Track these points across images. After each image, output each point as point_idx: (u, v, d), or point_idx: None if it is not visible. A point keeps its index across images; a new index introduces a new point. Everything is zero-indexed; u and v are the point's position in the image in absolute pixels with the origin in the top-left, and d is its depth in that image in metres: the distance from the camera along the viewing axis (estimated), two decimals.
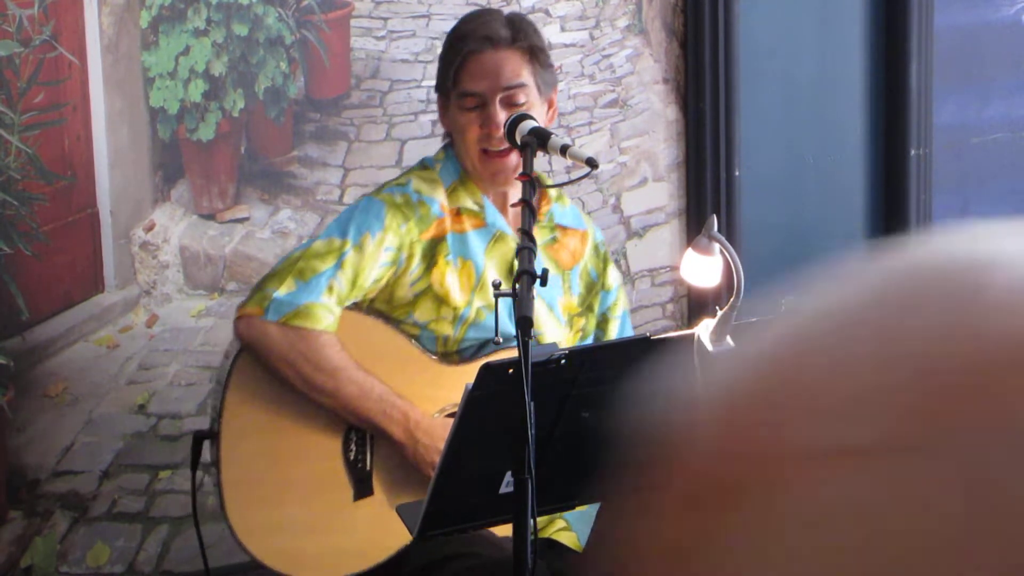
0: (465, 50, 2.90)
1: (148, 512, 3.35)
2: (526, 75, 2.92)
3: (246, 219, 3.40)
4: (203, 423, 3.33)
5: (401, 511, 2.50)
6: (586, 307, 3.10)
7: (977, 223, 0.67)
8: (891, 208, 4.10)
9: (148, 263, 3.31)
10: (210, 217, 3.36)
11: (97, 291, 3.27)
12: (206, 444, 2.85)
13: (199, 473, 2.89)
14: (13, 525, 3.23)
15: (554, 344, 2.31)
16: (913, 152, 4.07)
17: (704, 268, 2.62)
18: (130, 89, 3.25)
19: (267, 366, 2.80)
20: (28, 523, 3.25)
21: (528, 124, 2.80)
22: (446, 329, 2.92)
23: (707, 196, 3.82)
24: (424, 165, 3.01)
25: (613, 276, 3.16)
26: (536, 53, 2.94)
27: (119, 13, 3.22)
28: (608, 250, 3.18)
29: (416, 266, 2.90)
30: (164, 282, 3.32)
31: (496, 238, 2.97)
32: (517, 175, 2.79)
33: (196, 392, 3.37)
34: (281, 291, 2.79)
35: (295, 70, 3.39)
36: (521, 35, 2.94)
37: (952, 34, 4.12)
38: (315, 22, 3.40)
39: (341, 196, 3.46)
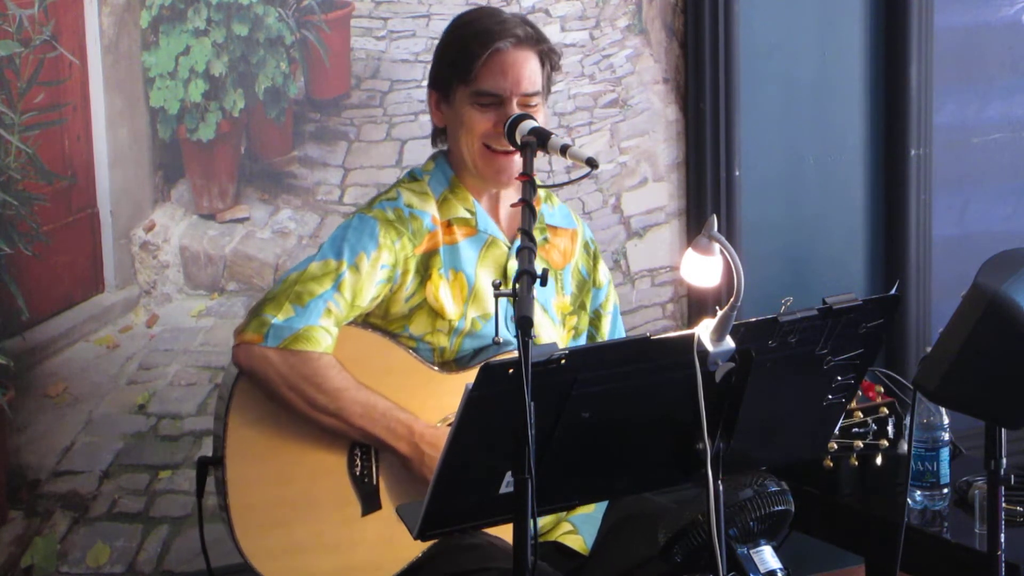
0: (490, 47, 2.87)
1: (148, 512, 3.35)
2: (541, 80, 2.91)
3: (246, 219, 3.40)
4: (203, 423, 3.34)
5: (401, 511, 2.49)
6: (578, 305, 3.10)
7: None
8: (891, 208, 4.10)
9: (148, 263, 3.31)
10: (210, 217, 3.36)
11: (97, 291, 3.28)
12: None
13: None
14: (13, 525, 3.24)
15: (554, 344, 2.30)
16: (913, 152, 4.06)
17: (704, 268, 2.61)
18: (130, 89, 3.25)
19: (269, 392, 2.79)
20: (28, 523, 3.25)
21: (528, 124, 2.79)
22: (442, 341, 2.91)
23: (707, 196, 3.82)
24: (413, 176, 2.99)
25: (603, 272, 3.16)
26: (551, 56, 2.94)
27: (119, 13, 3.22)
28: (598, 247, 3.17)
29: (411, 281, 2.90)
30: (164, 282, 3.32)
31: (488, 244, 2.97)
32: (517, 175, 2.78)
33: (196, 392, 3.37)
34: (280, 317, 2.78)
35: (295, 70, 3.39)
36: (540, 36, 2.93)
37: (952, 34, 4.12)
38: (315, 22, 3.40)
39: (341, 196, 3.46)
